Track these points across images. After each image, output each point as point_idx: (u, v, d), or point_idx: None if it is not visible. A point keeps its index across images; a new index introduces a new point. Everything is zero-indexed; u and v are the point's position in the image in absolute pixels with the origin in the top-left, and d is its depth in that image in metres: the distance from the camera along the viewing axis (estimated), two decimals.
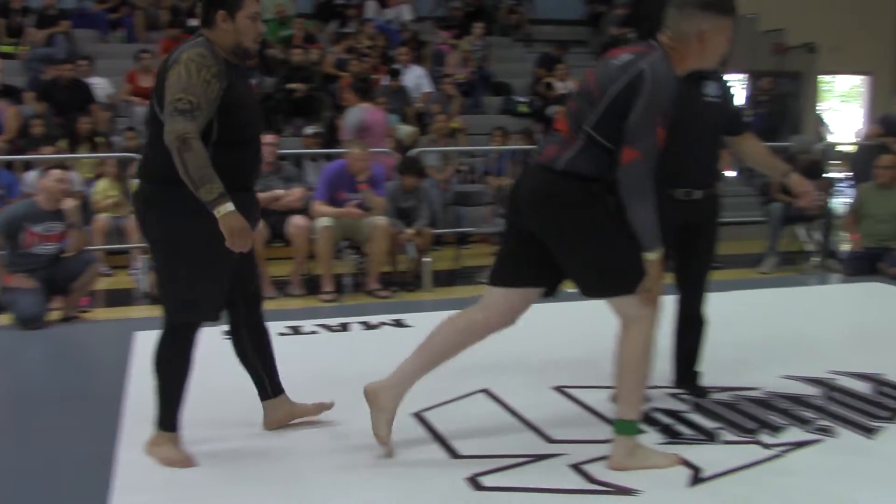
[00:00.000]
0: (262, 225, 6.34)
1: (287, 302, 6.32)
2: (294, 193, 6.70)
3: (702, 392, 3.89)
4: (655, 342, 3.05)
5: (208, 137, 2.93)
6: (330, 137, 8.81)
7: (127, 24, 11.62)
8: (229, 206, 2.86)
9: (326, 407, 3.55)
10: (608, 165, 2.90)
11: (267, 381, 3.44)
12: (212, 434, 3.43)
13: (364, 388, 3.23)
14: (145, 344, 4.85)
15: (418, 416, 3.64)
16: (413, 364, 3.25)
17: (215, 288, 3.12)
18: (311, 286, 6.61)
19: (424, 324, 5.35)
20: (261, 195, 6.50)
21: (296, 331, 5.23)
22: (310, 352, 4.76)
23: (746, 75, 13.72)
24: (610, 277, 2.96)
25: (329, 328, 5.29)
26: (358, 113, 7.78)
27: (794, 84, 13.11)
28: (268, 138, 6.63)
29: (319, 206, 6.43)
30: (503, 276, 3.19)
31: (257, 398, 3.48)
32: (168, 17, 11.45)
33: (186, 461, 3.15)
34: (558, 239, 2.99)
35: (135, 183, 7.52)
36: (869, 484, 2.96)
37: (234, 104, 3.00)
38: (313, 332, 5.21)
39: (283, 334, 5.12)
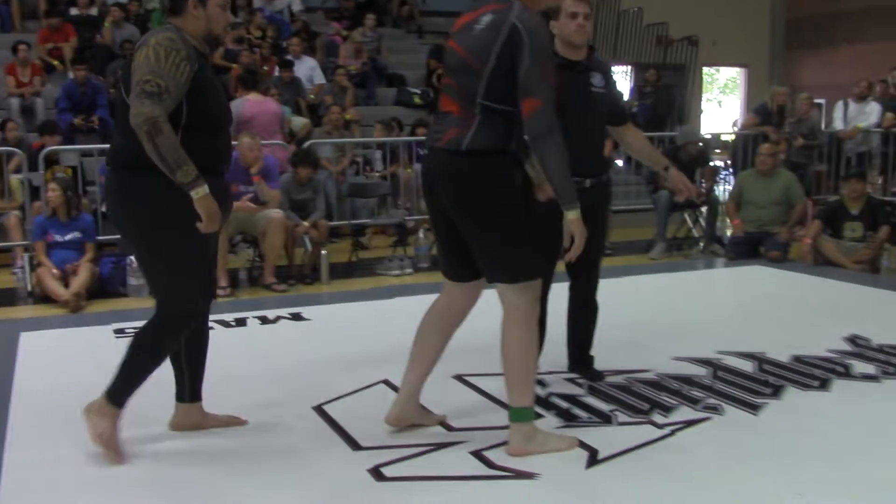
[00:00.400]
0: None
1: None
2: None
3: (596, 375, 3.99)
4: (536, 329, 3.10)
5: (177, 121, 2.88)
6: None
7: (1, 13, 11.08)
8: (206, 188, 2.86)
9: (239, 422, 3.44)
10: (510, 131, 2.94)
11: (188, 384, 3.33)
12: None
13: (386, 420, 3.30)
14: (31, 345, 4.70)
15: (319, 409, 3.61)
16: (412, 375, 3.29)
17: (203, 268, 3.08)
18: None
19: (322, 317, 5.38)
20: None
21: None
22: None
23: (631, 67, 14.11)
24: (513, 263, 3.00)
25: (225, 324, 5.19)
26: (237, 105, 7.66)
27: (677, 76, 13.56)
28: None
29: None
30: (451, 272, 3.22)
31: (147, 398, 3.37)
32: (46, 5, 10.96)
33: (117, 451, 3.05)
34: (469, 221, 3.00)
35: (14, 179, 7.14)
36: (754, 458, 3.10)
37: (204, 89, 2.96)
38: (209, 328, 5.09)
39: None
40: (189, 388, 3.33)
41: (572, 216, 2.96)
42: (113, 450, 3.05)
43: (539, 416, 3.47)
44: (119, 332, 5.00)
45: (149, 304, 5.84)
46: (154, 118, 2.77)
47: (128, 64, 2.94)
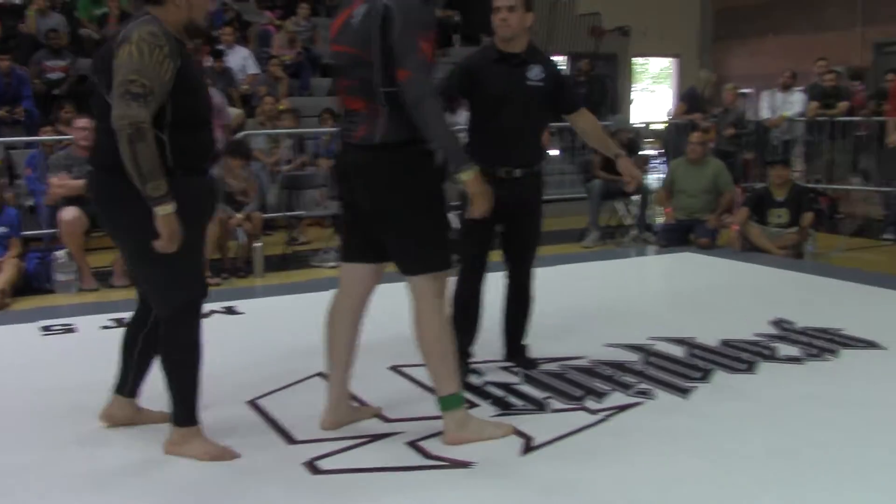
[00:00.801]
0: (79, 213, 6.03)
1: (110, 293, 6.05)
2: None
3: (531, 363, 4.03)
4: (448, 316, 3.10)
5: (162, 120, 2.77)
6: None
7: None
8: (173, 207, 2.75)
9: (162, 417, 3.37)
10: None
11: (131, 380, 3.27)
12: (30, 433, 3.26)
13: (322, 427, 3.26)
14: None
15: (253, 404, 3.59)
16: (335, 376, 3.28)
17: (199, 263, 3.05)
18: None
19: (256, 310, 5.33)
20: (79, 182, 6.21)
21: (121, 323, 5.01)
22: None
23: (565, 57, 14.23)
24: (424, 255, 3.00)
25: None
26: None
27: (610, 66, 13.73)
28: (82, 122, 6.31)
29: None
30: (354, 253, 3.21)
31: (73, 396, 3.31)
32: None
33: (227, 452, 3.03)
34: (381, 213, 3.00)
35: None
36: (684, 440, 3.17)
37: (188, 84, 2.84)
38: None
39: (106, 327, 4.90)
40: (132, 383, 3.28)
41: (466, 177, 2.94)
42: (223, 455, 3.02)
43: (475, 405, 3.50)
44: (46, 329, 4.88)
45: (76, 299, 5.77)
46: (139, 122, 2.65)
47: (106, 59, 2.79)
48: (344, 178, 3.12)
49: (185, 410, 3.02)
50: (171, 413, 3.05)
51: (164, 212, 2.74)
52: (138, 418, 3.33)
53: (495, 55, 3.79)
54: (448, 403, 3.11)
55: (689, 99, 10.02)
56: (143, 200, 2.76)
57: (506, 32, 3.70)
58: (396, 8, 2.86)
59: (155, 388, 3.16)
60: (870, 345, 4.34)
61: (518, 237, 3.93)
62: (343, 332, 3.24)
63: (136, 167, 2.68)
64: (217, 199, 3.14)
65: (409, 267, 3.05)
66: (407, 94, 2.86)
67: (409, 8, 2.87)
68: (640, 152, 8.83)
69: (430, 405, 3.48)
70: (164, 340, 3.00)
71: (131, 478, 2.92)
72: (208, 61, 9.94)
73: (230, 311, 5.28)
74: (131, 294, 6.01)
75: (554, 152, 10.49)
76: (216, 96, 7.87)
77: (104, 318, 5.06)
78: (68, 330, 4.88)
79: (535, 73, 3.77)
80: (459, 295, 3.78)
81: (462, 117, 4.16)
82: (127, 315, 5.10)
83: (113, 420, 3.31)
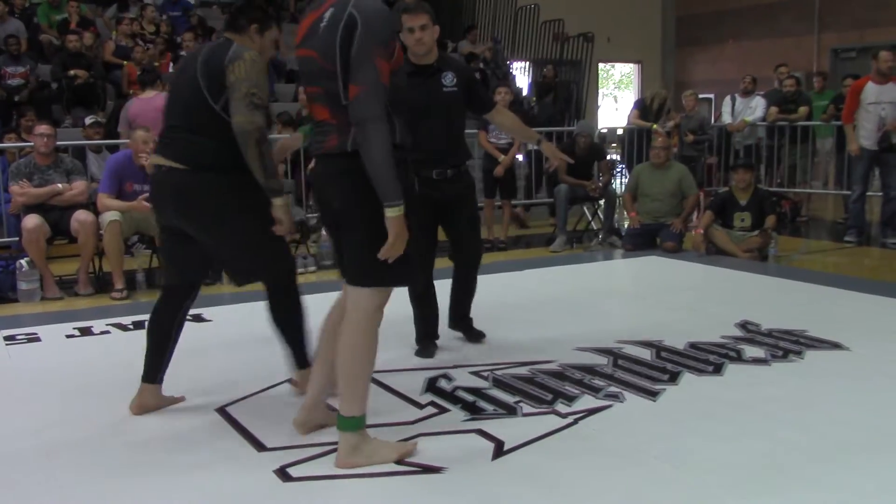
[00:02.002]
0: (40, 220, 5.95)
1: (74, 302, 5.97)
2: (77, 187, 6.32)
3: (477, 335, 4.41)
4: (376, 337, 2.96)
5: None
6: (114, 127, 8.39)
7: None
8: (284, 199, 3.24)
9: (177, 399, 3.67)
10: (391, 128, 2.80)
11: (164, 366, 3.55)
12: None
13: (294, 424, 3.27)
14: None
15: (222, 411, 3.56)
16: (321, 374, 3.23)
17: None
18: (101, 284, 6.29)
19: (224, 317, 5.29)
20: (40, 190, 6.13)
21: (85, 332, 4.96)
22: (104, 352, 4.52)
23: (529, 63, 14.31)
24: (373, 266, 2.85)
25: (123, 327, 5.05)
26: (126, 106, 7.61)
27: (574, 72, 13.79)
28: (42, 129, 6.23)
29: (105, 200, 6.09)
30: (342, 265, 3.14)
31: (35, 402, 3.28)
32: None
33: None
34: (345, 218, 2.92)
35: None
36: (653, 442, 3.19)
37: None
38: (106, 333, 4.96)
39: (70, 336, 4.84)
40: (163, 368, 3.55)
41: (392, 213, 2.73)
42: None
43: (445, 409, 3.50)
44: (9, 338, 4.81)
45: (39, 308, 5.69)
46: (262, 128, 3.14)
47: (213, 69, 3.16)
48: (320, 192, 3.07)
49: (299, 353, 3.56)
50: (294, 360, 3.58)
51: (282, 202, 3.24)
52: (162, 403, 3.60)
53: (410, 69, 4.02)
54: (346, 424, 2.98)
55: (640, 107, 10.18)
56: (239, 193, 3.22)
57: (421, 50, 4.00)
58: (360, 17, 2.74)
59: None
60: (834, 346, 4.40)
61: (460, 223, 4.24)
62: (334, 339, 3.15)
63: (261, 164, 3.15)
64: None
65: (353, 274, 2.93)
66: (354, 111, 2.74)
67: (372, 18, 2.75)
68: (606, 157, 8.87)
69: (401, 412, 3.49)
70: (289, 302, 3.52)
71: (89, 484, 2.87)
72: (170, 67, 9.87)
73: (198, 318, 5.23)
74: (99, 302, 5.98)
75: (520, 157, 10.52)
76: (158, 101, 7.85)
77: (68, 327, 5.00)
78: (32, 339, 4.81)
79: (448, 79, 4.08)
80: (414, 290, 4.22)
81: None
82: (92, 323, 5.09)
83: (141, 409, 3.53)
